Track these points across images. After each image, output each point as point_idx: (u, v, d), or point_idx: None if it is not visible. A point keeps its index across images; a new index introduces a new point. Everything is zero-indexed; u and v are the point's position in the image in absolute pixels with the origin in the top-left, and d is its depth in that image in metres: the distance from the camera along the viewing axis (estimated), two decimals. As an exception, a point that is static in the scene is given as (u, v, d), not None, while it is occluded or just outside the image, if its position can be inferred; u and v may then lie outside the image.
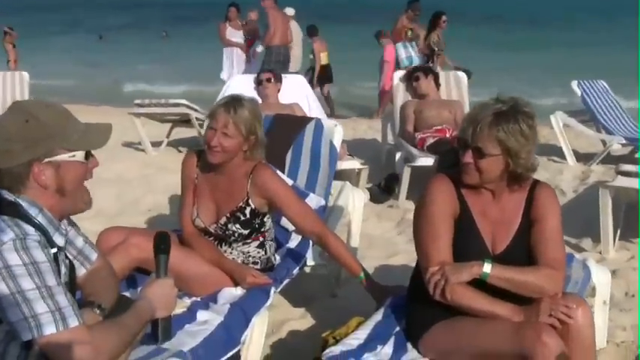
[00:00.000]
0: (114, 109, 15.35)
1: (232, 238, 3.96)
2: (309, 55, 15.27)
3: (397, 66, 12.31)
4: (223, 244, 4.02)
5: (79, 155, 2.55)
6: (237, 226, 3.93)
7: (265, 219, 4.02)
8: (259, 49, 11.73)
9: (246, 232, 3.95)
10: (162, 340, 2.80)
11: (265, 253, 4.08)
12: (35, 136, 2.46)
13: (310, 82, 13.01)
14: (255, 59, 12.69)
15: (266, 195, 3.91)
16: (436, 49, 13.00)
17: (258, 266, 4.04)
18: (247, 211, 3.92)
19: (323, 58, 15.20)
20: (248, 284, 3.85)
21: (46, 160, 2.48)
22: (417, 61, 12.66)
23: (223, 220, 3.94)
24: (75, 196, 2.60)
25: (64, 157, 2.51)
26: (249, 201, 3.91)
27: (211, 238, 4.02)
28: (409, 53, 12.92)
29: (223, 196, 3.96)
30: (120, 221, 6.23)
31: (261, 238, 4.04)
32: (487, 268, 3.05)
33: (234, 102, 3.86)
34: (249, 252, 4.03)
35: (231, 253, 4.01)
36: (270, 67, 9.85)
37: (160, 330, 2.76)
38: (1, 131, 2.45)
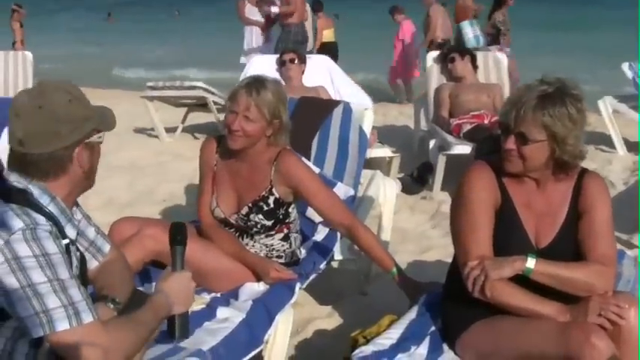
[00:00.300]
0: (125, 92, 15.45)
1: (255, 229, 3.98)
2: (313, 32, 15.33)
3: (462, 45, 12.20)
4: (245, 236, 4.03)
5: (102, 136, 2.62)
6: (260, 216, 3.94)
7: (290, 209, 4.04)
8: (275, 9, 11.53)
9: (269, 223, 3.96)
10: (180, 337, 2.80)
11: (290, 246, 4.09)
12: (80, 116, 2.51)
13: None
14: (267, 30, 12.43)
15: (291, 183, 3.92)
16: (502, 28, 12.88)
17: (282, 260, 4.05)
18: (271, 200, 3.93)
19: (326, 35, 15.22)
20: (271, 279, 3.86)
21: (87, 141, 2.54)
22: (482, 41, 12.58)
23: (245, 210, 3.95)
24: (93, 178, 2.67)
25: (95, 138, 2.59)
26: (273, 190, 3.92)
27: (232, 230, 4.04)
28: (476, 32, 12.85)
29: (245, 185, 3.97)
30: (132, 212, 6.29)
31: (285, 230, 4.06)
32: (530, 263, 3.04)
33: (257, 83, 3.86)
34: (272, 245, 4.04)
35: (253, 246, 4.02)
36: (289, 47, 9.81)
37: (176, 326, 2.75)
38: (48, 112, 2.46)
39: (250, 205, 3.94)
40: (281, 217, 3.99)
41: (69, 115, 2.48)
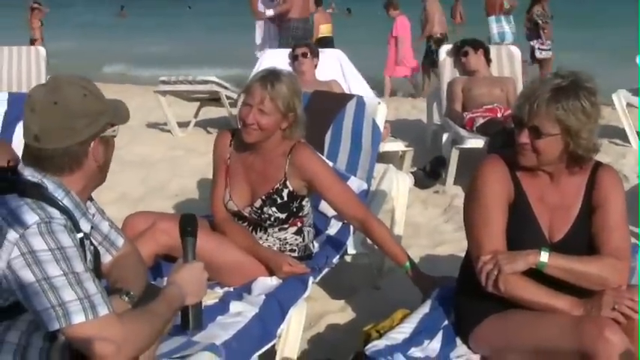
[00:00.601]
0: (137, 87, 15.46)
1: (268, 222, 3.98)
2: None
3: (487, 41, 12.16)
4: (258, 229, 4.04)
5: (117, 130, 2.63)
6: (274, 209, 3.95)
7: (304, 203, 4.04)
8: (270, 12, 11.39)
9: (283, 216, 3.97)
10: (194, 328, 2.79)
11: (303, 240, 4.10)
12: (95, 110, 2.51)
13: None
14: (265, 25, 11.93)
15: (305, 176, 3.93)
16: (540, 21, 12.77)
17: (295, 254, 4.06)
18: (285, 193, 3.94)
19: (323, 30, 15.26)
20: (284, 273, 3.87)
21: (102, 135, 2.55)
22: (510, 37, 12.51)
23: (258, 202, 3.96)
24: (106, 172, 2.67)
25: (109, 132, 2.59)
26: (287, 182, 3.93)
27: (245, 224, 4.05)
28: (502, 28, 12.76)
29: (259, 178, 3.98)
30: (145, 206, 6.29)
31: (299, 224, 4.06)
32: (544, 257, 3.04)
33: (272, 76, 3.86)
34: (285, 239, 4.05)
35: (266, 239, 4.03)
36: (288, 45, 9.75)
37: (190, 318, 2.75)
38: (63, 107, 2.46)
39: (264, 197, 3.95)
40: (294, 210, 4.00)
41: (84, 110, 2.48)
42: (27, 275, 2.30)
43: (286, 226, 4.04)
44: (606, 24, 28.31)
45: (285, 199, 3.95)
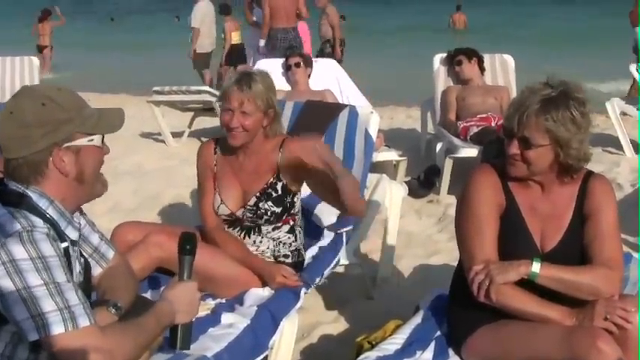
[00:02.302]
0: (131, 97, 15.45)
1: (265, 217, 4.00)
2: (221, 35, 15.90)
3: (633, 51, 12.00)
4: (252, 232, 4.06)
5: (97, 140, 2.58)
6: (270, 203, 3.98)
7: (295, 199, 4.08)
8: (262, 43, 11.20)
9: (278, 209, 4.00)
10: (181, 347, 2.78)
11: (295, 239, 4.12)
12: (54, 119, 2.47)
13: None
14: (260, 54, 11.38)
15: (297, 161, 3.92)
16: None
17: (289, 260, 4.08)
18: (279, 186, 3.99)
19: (234, 37, 15.60)
20: (277, 284, 3.87)
21: (66, 145, 2.50)
22: None
23: (253, 200, 3.99)
24: (93, 183, 2.64)
25: (82, 141, 2.54)
26: (280, 176, 3.99)
27: (237, 229, 4.06)
28: None
29: (250, 178, 4.02)
30: (138, 217, 6.28)
31: (291, 222, 4.10)
32: (536, 267, 3.03)
33: (246, 77, 3.94)
34: (279, 238, 4.07)
35: (261, 241, 4.05)
36: (275, 55, 9.68)
37: (179, 337, 2.74)
38: (18, 116, 2.46)
39: (258, 194, 3.99)
40: (288, 205, 4.03)
41: (40, 120, 2.45)
42: (7, 284, 2.28)
43: (280, 224, 4.05)
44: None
45: (280, 192, 3.99)
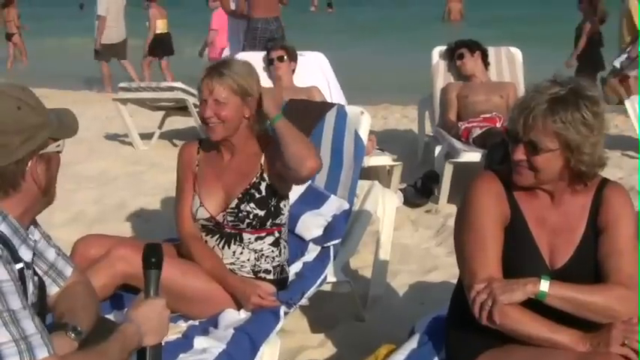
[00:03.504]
0: (95, 94, 15.45)
1: (247, 221, 4.01)
2: (145, 23, 16.16)
3: None
4: (233, 242, 4.06)
5: (62, 145, 2.59)
6: (252, 205, 4.01)
7: (282, 205, 4.10)
8: (232, 6, 11.15)
9: (262, 212, 4.02)
10: None
11: (279, 254, 4.13)
12: (32, 124, 2.46)
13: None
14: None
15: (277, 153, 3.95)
16: None
17: (270, 276, 4.08)
18: (262, 187, 4.03)
19: (160, 26, 15.74)
20: (252, 305, 3.87)
21: (41, 152, 2.50)
22: None
23: (234, 202, 4.01)
24: (52, 193, 2.63)
25: (52, 147, 2.54)
26: (264, 175, 4.03)
27: (217, 237, 4.06)
28: None
29: (233, 179, 4.06)
30: (102, 228, 6.25)
31: (276, 233, 4.12)
32: (544, 285, 3.02)
33: (218, 65, 4.04)
34: (262, 250, 4.07)
35: (241, 253, 4.05)
36: (254, 48, 9.62)
37: None
38: None
39: (240, 195, 4.02)
40: (273, 209, 4.05)
41: (18, 125, 2.43)
42: None
43: (263, 233, 4.05)
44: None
45: (264, 193, 4.03)
